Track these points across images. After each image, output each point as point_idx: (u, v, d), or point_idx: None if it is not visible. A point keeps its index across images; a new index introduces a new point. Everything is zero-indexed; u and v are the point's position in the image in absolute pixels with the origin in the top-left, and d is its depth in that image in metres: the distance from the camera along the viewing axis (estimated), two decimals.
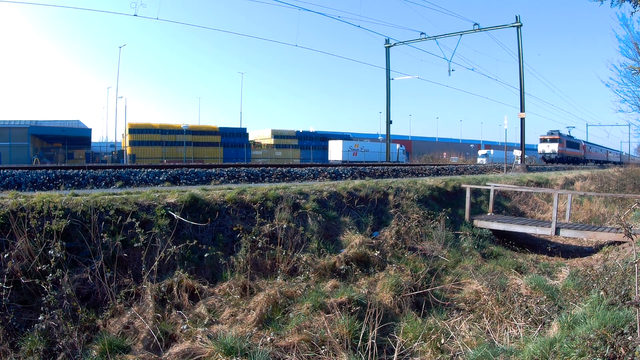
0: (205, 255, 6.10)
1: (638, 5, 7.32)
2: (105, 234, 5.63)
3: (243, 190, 7.81)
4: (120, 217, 6.00)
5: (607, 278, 6.18)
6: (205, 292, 5.74)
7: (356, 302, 5.75)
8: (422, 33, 27.93)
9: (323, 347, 4.86)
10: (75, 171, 9.73)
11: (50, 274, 4.88)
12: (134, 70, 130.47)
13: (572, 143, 46.96)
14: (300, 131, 55.87)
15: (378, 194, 9.56)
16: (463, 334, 5.59)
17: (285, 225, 7.15)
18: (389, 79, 30.82)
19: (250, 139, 52.25)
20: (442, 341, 5.25)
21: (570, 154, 45.72)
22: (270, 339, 4.94)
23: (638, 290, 3.89)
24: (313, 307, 5.59)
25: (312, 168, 14.49)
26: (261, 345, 4.78)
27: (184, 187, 8.91)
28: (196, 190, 7.60)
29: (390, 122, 33.73)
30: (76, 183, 8.91)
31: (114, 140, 47.31)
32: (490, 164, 28.83)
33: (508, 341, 5.22)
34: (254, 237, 6.54)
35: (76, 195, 6.35)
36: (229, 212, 7.17)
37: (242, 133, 50.32)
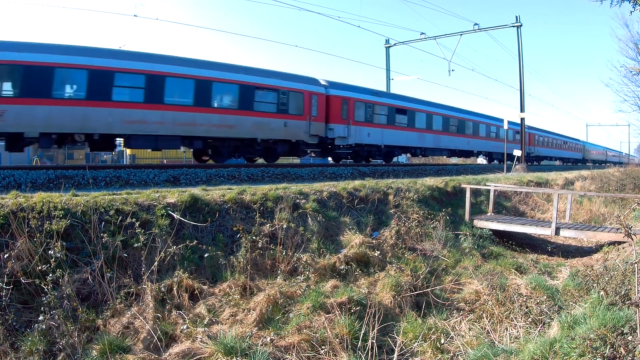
0: (205, 256, 6.10)
1: (637, 4, 7.31)
2: (105, 234, 5.63)
3: (243, 191, 7.81)
4: (120, 217, 6.00)
5: (607, 278, 6.19)
6: (205, 292, 5.74)
7: (356, 302, 5.75)
8: (422, 33, 27.82)
9: (323, 347, 4.86)
10: (75, 171, 9.71)
11: (50, 274, 4.88)
12: None
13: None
14: None
15: (378, 194, 9.56)
16: (463, 334, 5.60)
17: (285, 225, 7.15)
18: (389, 79, 30.74)
19: None
20: (442, 341, 5.26)
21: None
22: (270, 339, 4.95)
23: (638, 290, 3.89)
24: (313, 307, 5.59)
25: (312, 168, 14.47)
26: (261, 345, 4.79)
27: (184, 187, 8.91)
28: (196, 190, 7.59)
29: None
30: (76, 183, 8.89)
31: None
32: (490, 164, 28.88)
33: (508, 341, 5.23)
34: (254, 237, 6.53)
35: (76, 195, 6.35)
36: (229, 212, 7.17)
37: None
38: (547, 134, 40.57)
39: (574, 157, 48.86)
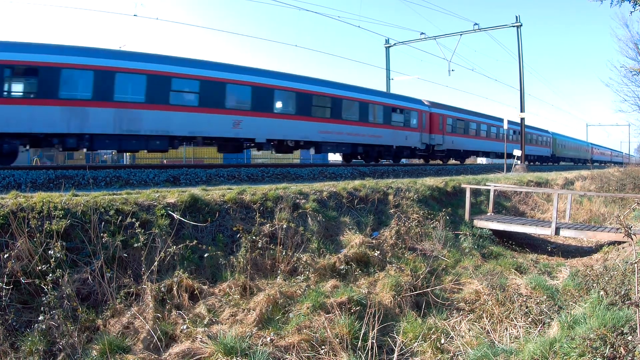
0: (205, 255, 6.10)
1: (637, 4, 7.31)
2: (105, 234, 5.63)
3: (243, 191, 7.81)
4: (120, 217, 6.00)
5: (607, 278, 6.19)
6: (205, 292, 5.74)
7: (356, 302, 5.75)
8: (422, 33, 27.82)
9: (323, 347, 4.86)
10: (75, 171, 9.72)
11: (50, 274, 4.88)
12: None
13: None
14: None
15: (378, 194, 9.56)
16: (463, 334, 5.60)
17: (285, 225, 7.15)
18: (389, 79, 30.74)
19: None
20: (442, 341, 5.26)
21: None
22: (270, 339, 4.94)
23: (638, 290, 3.89)
24: (313, 307, 5.59)
25: (312, 168, 14.48)
26: (261, 345, 4.79)
27: (184, 187, 8.91)
28: (196, 190, 7.60)
29: None
30: (76, 183, 8.89)
31: None
32: (490, 164, 28.74)
33: (508, 341, 5.23)
34: (254, 237, 6.53)
35: (76, 195, 6.35)
36: (229, 212, 7.17)
37: None
38: (476, 118, 26.28)
39: (536, 153, 34.70)
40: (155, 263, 5.57)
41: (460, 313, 6.30)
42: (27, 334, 4.53)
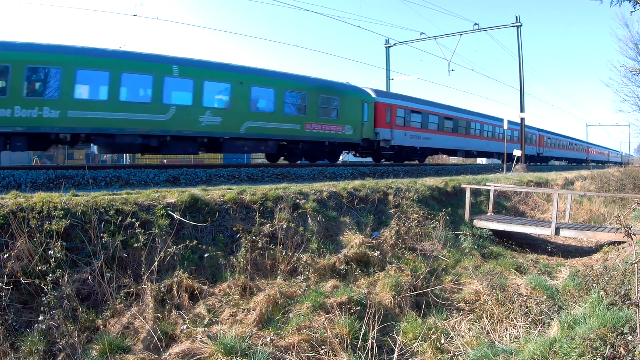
0: (205, 256, 6.10)
1: (637, 4, 7.31)
2: (105, 234, 5.63)
3: (243, 191, 7.81)
4: (120, 217, 5.99)
5: (607, 278, 6.19)
6: (205, 292, 5.74)
7: (356, 302, 5.76)
8: (422, 33, 27.79)
9: (323, 347, 4.87)
10: (75, 171, 9.71)
11: (50, 274, 4.88)
12: None
13: None
14: None
15: (378, 194, 9.55)
16: (463, 334, 5.60)
17: (285, 225, 7.15)
18: (389, 79, 30.73)
19: None
20: (442, 341, 5.26)
21: None
22: (270, 339, 4.95)
23: (638, 290, 3.90)
24: (313, 307, 5.59)
25: (312, 168, 14.47)
26: (261, 345, 4.79)
27: (184, 187, 8.91)
28: (196, 190, 7.59)
29: None
30: (76, 183, 8.88)
31: None
32: (490, 164, 28.83)
33: (508, 341, 5.23)
34: (254, 237, 6.53)
35: (76, 195, 6.35)
36: (229, 212, 7.17)
37: None
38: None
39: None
40: (155, 263, 5.57)
41: (460, 313, 6.30)
42: (27, 334, 4.52)
